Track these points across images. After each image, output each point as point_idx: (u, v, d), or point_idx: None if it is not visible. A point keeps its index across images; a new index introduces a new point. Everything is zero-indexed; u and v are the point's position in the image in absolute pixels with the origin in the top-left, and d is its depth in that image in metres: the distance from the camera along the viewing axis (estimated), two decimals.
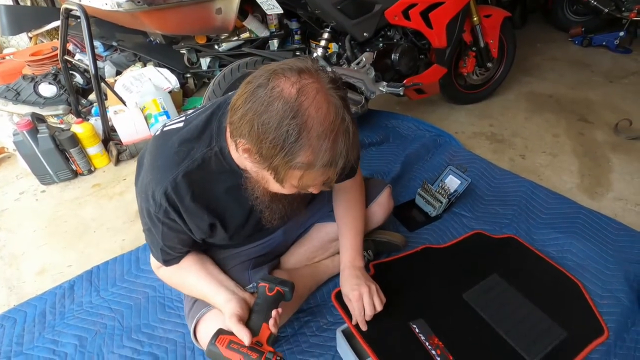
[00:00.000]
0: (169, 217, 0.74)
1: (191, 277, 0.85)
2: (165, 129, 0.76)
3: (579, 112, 2.12)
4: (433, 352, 0.95)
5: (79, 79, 2.32)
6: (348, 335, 0.96)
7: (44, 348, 1.08)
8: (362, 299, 0.91)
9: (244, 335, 0.71)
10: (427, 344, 0.97)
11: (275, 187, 0.68)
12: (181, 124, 0.75)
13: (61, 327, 1.14)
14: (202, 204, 0.75)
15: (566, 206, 1.45)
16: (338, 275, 1.18)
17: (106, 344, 1.08)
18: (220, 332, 0.74)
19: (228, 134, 0.68)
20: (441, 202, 1.40)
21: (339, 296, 1.06)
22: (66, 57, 2.06)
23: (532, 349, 0.97)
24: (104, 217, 1.58)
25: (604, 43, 2.85)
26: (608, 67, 2.60)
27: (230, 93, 0.73)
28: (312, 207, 1.10)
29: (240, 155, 0.66)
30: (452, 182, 1.44)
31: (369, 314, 0.91)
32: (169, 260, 0.85)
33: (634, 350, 0.99)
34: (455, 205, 1.47)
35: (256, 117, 0.57)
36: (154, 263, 0.90)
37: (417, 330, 1.00)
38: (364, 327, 0.93)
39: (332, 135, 0.58)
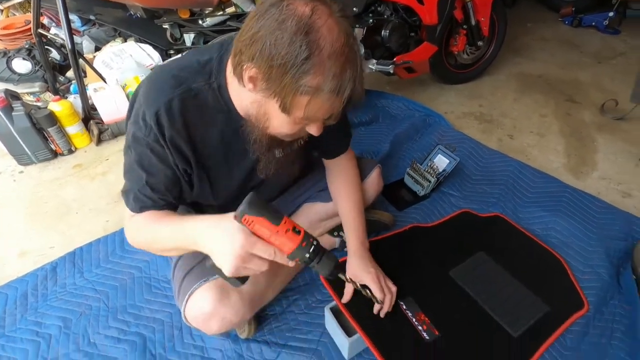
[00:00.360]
0: (158, 142, 0.69)
1: (168, 219, 0.73)
2: (163, 63, 0.74)
3: (567, 92, 2.13)
4: (420, 327, 0.97)
5: (55, 54, 2.21)
6: (336, 313, 0.97)
7: (27, 330, 1.06)
8: (379, 281, 0.91)
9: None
10: (413, 320, 0.98)
11: (278, 121, 0.65)
12: (179, 56, 0.74)
13: (44, 309, 1.11)
14: (191, 138, 0.71)
15: (552, 185, 1.47)
16: None
17: (91, 325, 1.07)
18: None
19: (229, 72, 0.67)
20: (429, 181, 1.40)
21: None
22: (40, 31, 1.96)
23: (515, 324, 0.99)
24: (86, 198, 1.54)
25: (593, 23, 2.84)
26: (597, 48, 2.60)
27: (232, 33, 0.71)
28: (301, 186, 1.09)
29: (244, 87, 0.63)
30: (441, 162, 1.44)
31: (389, 296, 0.92)
32: (145, 206, 0.74)
33: (612, 322, 1.03)
34: (444, 185, 1.48)
35: (268, 34, 0.56)
36: (126, 215, 0.79)
37: (404, 307, 1.01)
38: (384, 312, 0.93)
39: (342, 59, 0.58)
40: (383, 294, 0.91)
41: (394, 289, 0.94)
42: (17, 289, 1.17)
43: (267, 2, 0.59)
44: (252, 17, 0.59)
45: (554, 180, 1.49)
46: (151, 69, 2.07)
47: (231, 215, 0.61)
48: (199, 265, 0.87)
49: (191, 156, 0.73)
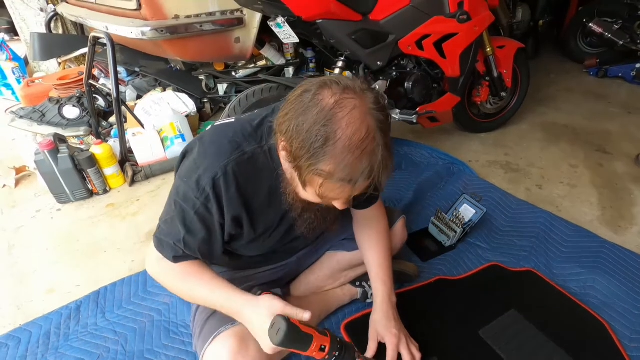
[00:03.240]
0: (206, 206, 0.72)
1: (207, 280, 0.79)
2: (217, 124, 0.80)
3: (596, 143, 2.08)
4: None
5: (101, 102, 2.42)
6: None
7: None
8: (398, 345, 0.88)
9: (304, 313, 0.71)
10: None
11: (301, 190, 0.70)
12: (233, 120, 0.80)
13: (64, 350, 1.11)
14: (244, 197, 0.75)
15: (588, 239, 1.39)
16: (347, 305, 1.15)
17: None
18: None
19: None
20: (455, 232, 1.36)
21: (349, 327, 1.03)
22: (91, 81, 2.16)
23: None
24: (115, 237, 1.59)
25: (620, 75, 2.83)
26: (625, 99, 2.58)
27: (283, 100, 0.75)
28: (324, 236, 1.08)
29: (280, 152, 0.69)
30: (467, 212, 1.41)
31: None
32: (178, 257, 0.78)
33: None
34: (470, 236, 1.43)
35: (294, 117, 0.62)
36: (154, 256, 0.81)
37: None
38: None
39: (358, 152, 0.59)
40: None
41: (417, 356, 0.89)
42: (42, 327, 1.18)
43: (305, 86, 0.64)
44: (292, 95, 0.66)
45: (589, 234, 1.41)
46: (185, 116, 2.21)
47: (263, 313, 0.70)
48: None
49: (244, 215, 0.77)
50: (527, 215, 1.54)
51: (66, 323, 1.19)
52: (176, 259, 0.78)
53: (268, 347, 0.70)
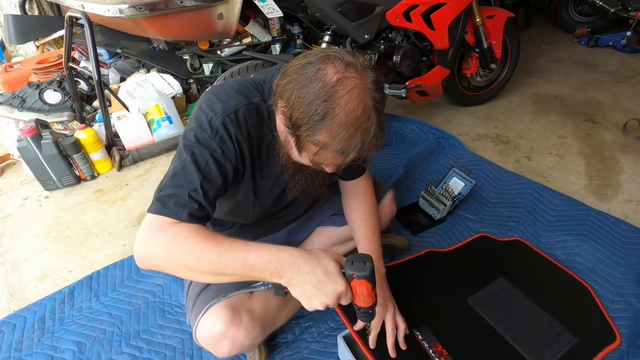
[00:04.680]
0: (222, 148, 0.70)
1: (232, 238, 0.66)
2: (216, 84, 0.80)
3: (586, 112, 2.08)
4: (437, 359, 0.92)
5: (83, 85, 2.35)
6: (349, 342, 0.94)
7: (42, 354, 1.07)
8: (384, 315, 0.89)
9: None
10: (430, 351, 0.94)
11: (295, 153, 0.74)
12: (231, 79, 0.81)
13: (60, 333, 1.13)
14: (250, 144, 0.76)
15: (574, 208, 1.41)
16: None
17: (105, 350, 1.07)
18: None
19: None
20: (445, 205, 1.37)
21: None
22: (71, 64, 2.08)
23: (541, 356, 0.93)
24: (106, 222, 1.58)
25: (610, 43, 2.81)
26: (615, 67, 2.56)
27: (282, 64, 0.77)
28: (314, 210, 1.08)
29: (278, 115, 0.72)
30: (456, 184, 1.42)
31: (392, 335, 0.89)
32: (193, 214, 0.65)
33: None
34: (460, 208, 1.44)
35: (297, 88, 0.64)
36: (150, 229, 0.65)
37: (420, 337, 0.97)
38: (372, 345, 0.89)
39: (353, 128, 0.63)
40: (377, 330, 0.88)
41: (402, 326, 0.90)
42: (36, 312, 1.19)
43: (309, 58, 0.65)
44: (294, 64, 0.67)
45: (576, 203, 1.43)
46: (171, 97, 2.16)
47: (328, 256, 0.66)
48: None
49: (248, 158, 0.77)
50: (516, 186, 1.55)
51: (60, 307, 1.20)
52: (192, 217, 0.65)
53: (334, 292, 0.62)
